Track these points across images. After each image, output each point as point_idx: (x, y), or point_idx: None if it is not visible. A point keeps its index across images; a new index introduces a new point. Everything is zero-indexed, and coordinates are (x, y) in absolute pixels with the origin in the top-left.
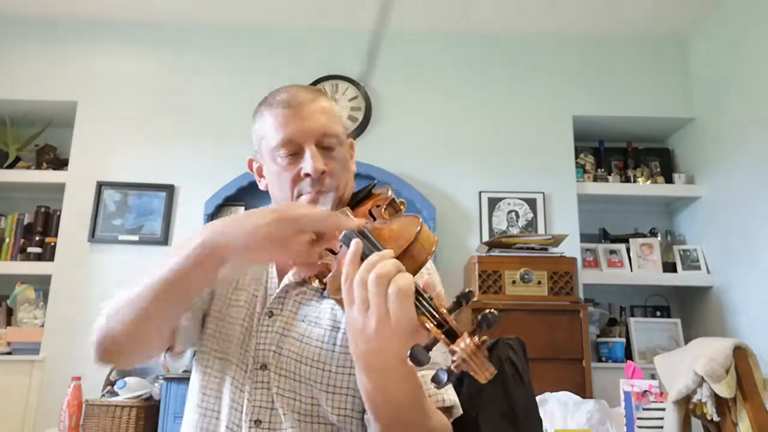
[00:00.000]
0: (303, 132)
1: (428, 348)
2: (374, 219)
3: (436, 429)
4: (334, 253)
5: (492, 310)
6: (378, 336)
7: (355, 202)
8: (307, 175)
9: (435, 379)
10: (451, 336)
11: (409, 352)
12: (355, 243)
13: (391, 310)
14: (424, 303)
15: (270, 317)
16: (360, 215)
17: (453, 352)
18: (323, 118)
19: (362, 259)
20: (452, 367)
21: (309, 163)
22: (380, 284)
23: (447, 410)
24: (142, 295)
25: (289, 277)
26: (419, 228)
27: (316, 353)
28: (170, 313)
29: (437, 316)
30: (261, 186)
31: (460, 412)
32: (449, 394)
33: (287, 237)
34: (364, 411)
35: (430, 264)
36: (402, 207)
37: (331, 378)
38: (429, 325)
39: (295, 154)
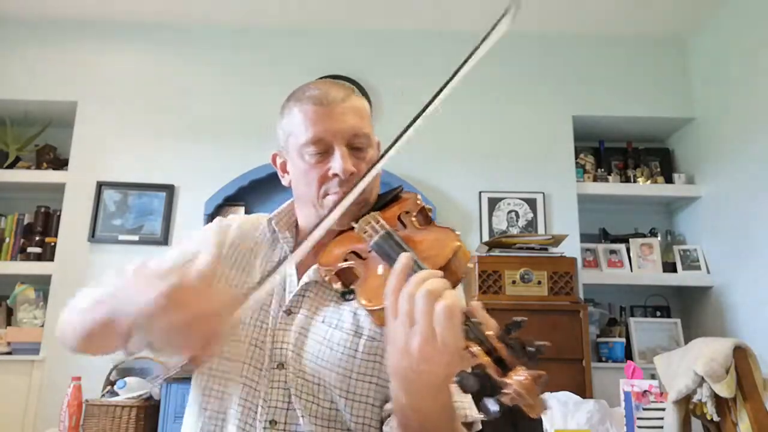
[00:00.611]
0: (333, 132)
1: (477, 375)
2: (404, 226)
3: None
4: (360, 257)
5: (544, 343)
6: (421, 355)
7: (382, 205)
8: (336, 175)
9: (482, 409)
10: (502, 365)
11: (457, 379)
12: (406, 257)
13: (438, 329)
14: (472, 327)
15: (288, 315)
16: (389, 219)
17: (505, 385)
18: (354, 119)
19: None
20: (505, 401)
21: (338, 163)
22: (429, 301)
23: (468, 426)
24: (84, 320)
25: (309, 275)
26: (459, 243)
27: (337, 358)
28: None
29: (486, 342)
30: (284, 182)
31: (479, 428)
32: (472, 411)
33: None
34: (382, 421)
35: None
36: (431, 216)
37: (351, 385)
38: (476, 350)
39: (324, 152)
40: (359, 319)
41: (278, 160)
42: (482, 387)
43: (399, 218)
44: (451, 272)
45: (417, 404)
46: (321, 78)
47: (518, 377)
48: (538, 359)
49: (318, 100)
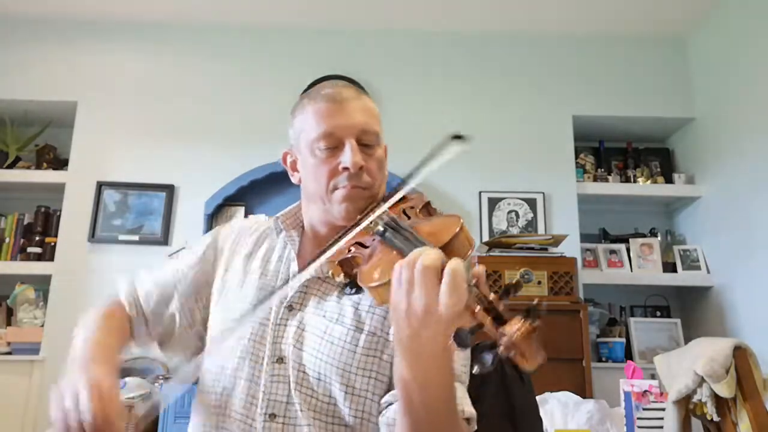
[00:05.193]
0: (345, 126)
1: (472, 331)
2: (408, 218)
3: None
4: (364, 246)
5: (540, 301)
6: (424, 318)
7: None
8: (346, 168)
9: (480, 361)
10: (500, 320)
11: (453, 334)
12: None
13: (441, 292)
14: (473, 289)
15: (290, 311)
16: (394, 212)
17: (502, 335)
18: (365, 116)
19: (401, 254)
20: (500, 350)
21: (348, 156)
22: (428, 269)
23: (464, 422)
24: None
25: (310, 272)
26: (460, 227)
27: (337, 353)
28: None
29: (485, 301)
30: (294, 180)
31: (475, 427)
32: (469, 406)
33: None
34: (380, 413)
35: None
36: (436, 211)
37: (351, 379)
38: (477, 309)
39: (335, 147)
40: (360, 314)
41: (288, 159)
42: (478, 342)
43: (403, 212)
44: (451, 252)
45: (420, 377)
46: (320, 78)
47: (515, 326)
48: (535, 316)
49: (331, 97)
